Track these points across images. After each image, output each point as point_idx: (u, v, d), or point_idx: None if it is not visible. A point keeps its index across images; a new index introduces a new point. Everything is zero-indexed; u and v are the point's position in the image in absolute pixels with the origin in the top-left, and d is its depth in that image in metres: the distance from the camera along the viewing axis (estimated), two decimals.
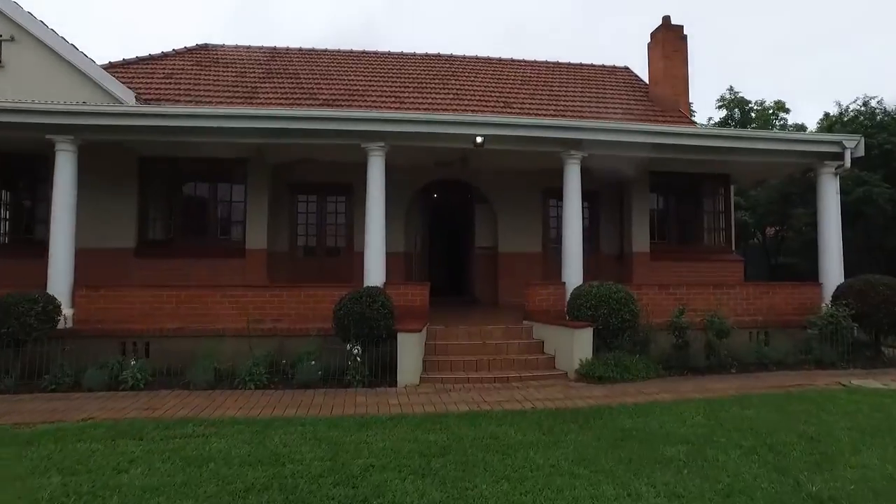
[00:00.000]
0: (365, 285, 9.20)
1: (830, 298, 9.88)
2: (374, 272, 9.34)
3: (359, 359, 7.92)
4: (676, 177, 12.87)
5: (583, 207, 12.99)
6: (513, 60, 17.64)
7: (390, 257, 12.70)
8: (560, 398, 7.04)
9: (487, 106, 13.88)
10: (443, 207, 14.78)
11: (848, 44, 59.93)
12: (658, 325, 9.27)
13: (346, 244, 12.68)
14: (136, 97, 11.46)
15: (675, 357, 8.78)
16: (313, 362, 8.09)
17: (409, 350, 7.85)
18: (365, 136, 9.32)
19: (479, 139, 9.47)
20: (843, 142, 10.05)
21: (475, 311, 11.95)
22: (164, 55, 15.24)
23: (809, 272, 18.67)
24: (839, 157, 10.20)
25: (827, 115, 21.94)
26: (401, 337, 7.86)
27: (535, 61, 17.71)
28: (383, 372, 7.96)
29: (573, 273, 9.73)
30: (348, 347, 8.01)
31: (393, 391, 7.54)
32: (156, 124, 8.97)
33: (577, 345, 8.19)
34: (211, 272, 11.30)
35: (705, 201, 13.36)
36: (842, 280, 10.16)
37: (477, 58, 17.48)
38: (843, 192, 10.75)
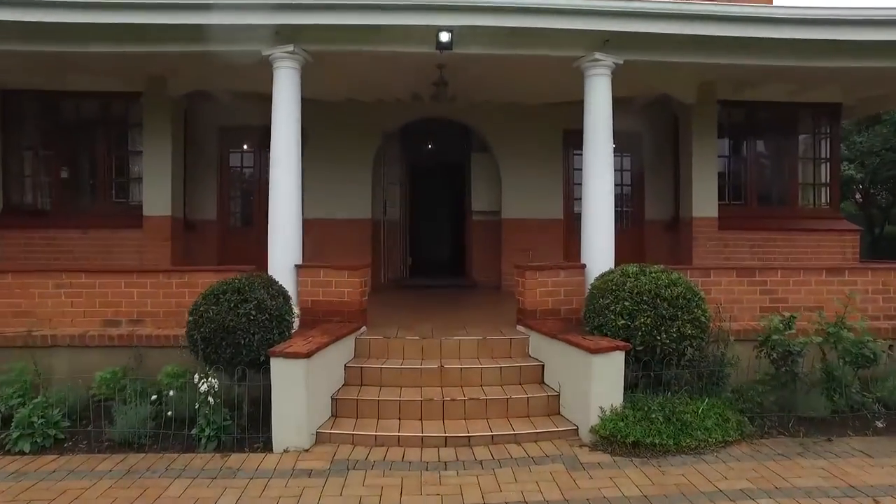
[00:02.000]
0: (269, 269, 5.92)
1: None
2: (283, 249, 5.98)
3: (211, 399, 4.59)
4: (759, 107, 8.85)
5: (620, 155, 9.34)
6: None
7: (351, 226, 9.42)
8: None
9: None
10: (432, 159, 11.22)
11: None
12: (736, 334, 5.64)
13: None
14: None
15: (771, 394, 5.11)
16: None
17: (293, 390, 4.44)
18: (263, 37, 5.88)
19: (443, 37, 5.85)
20: None
21: (461, 303, 8.45)
22: None
23: None
24: None
25: None
26: (276, 367, 4.46)
27: None
28: (258, 422, 4.63)
29: (599, 249, 6.08)
30: (196, 379, 4.67)
31: (256, 464, 4.20)
32: None
33: (598, 380, 4.60)
34: (102, 248, 8.29)
35: (802, 144, 9.29)
36: None
37: None
38: None
